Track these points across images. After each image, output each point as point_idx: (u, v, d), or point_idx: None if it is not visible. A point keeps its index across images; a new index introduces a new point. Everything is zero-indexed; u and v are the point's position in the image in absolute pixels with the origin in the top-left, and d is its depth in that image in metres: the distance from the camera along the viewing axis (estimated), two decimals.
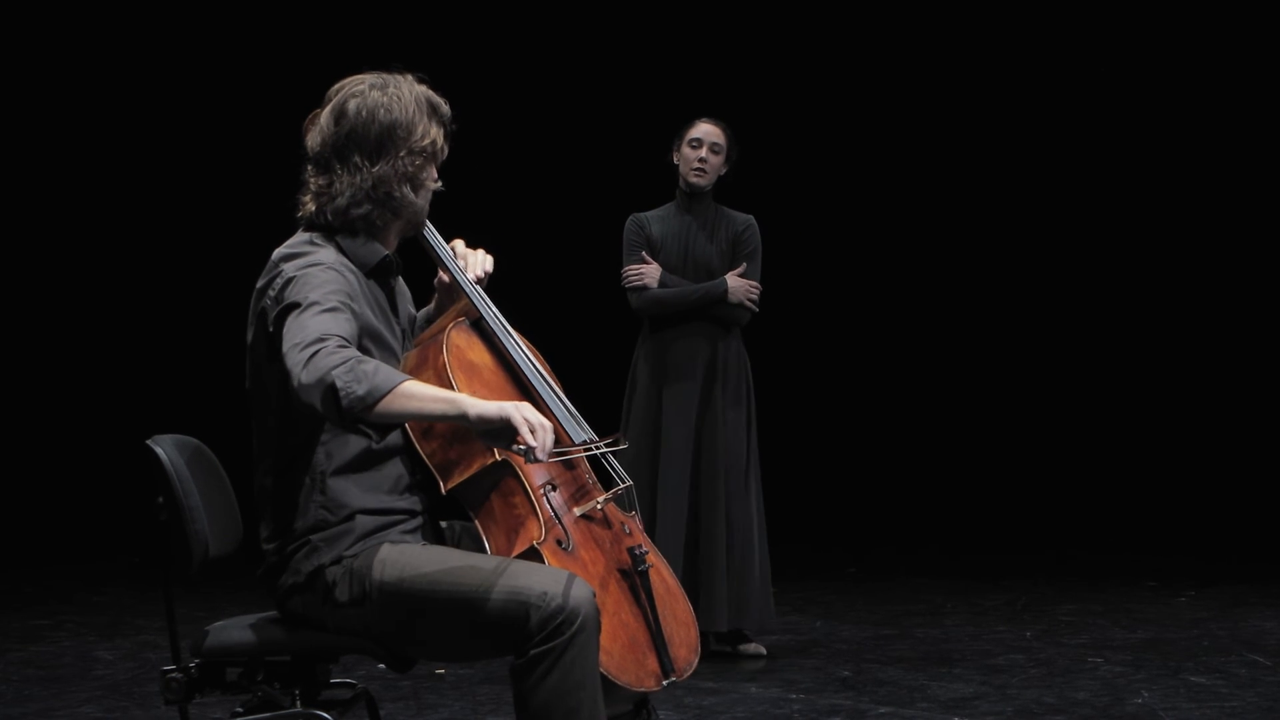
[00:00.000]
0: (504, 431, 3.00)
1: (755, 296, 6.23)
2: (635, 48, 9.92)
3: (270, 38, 9.89)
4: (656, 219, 6.30)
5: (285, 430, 3.24)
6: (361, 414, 2.95)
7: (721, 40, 9.98)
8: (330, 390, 2.93)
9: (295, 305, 3.08)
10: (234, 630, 3.30)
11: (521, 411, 2.99)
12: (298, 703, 3.29)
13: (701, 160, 6.21)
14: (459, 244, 3.53)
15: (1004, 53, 10.04)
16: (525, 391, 3.42)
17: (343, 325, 3.06)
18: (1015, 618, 7.23)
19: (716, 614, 6.10)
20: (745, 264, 6.22)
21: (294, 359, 2.98)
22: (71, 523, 9.75)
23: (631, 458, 6.07)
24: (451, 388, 3.22)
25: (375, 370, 2.96)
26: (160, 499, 3.35)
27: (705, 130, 6.24)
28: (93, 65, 9.90)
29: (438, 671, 5.94)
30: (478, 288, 3.48)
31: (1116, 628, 6.91)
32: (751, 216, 6.32)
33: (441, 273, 3.53)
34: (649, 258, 6.21)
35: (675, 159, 6.29)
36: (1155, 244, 10.16)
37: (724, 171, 6.29)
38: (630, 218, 6.32)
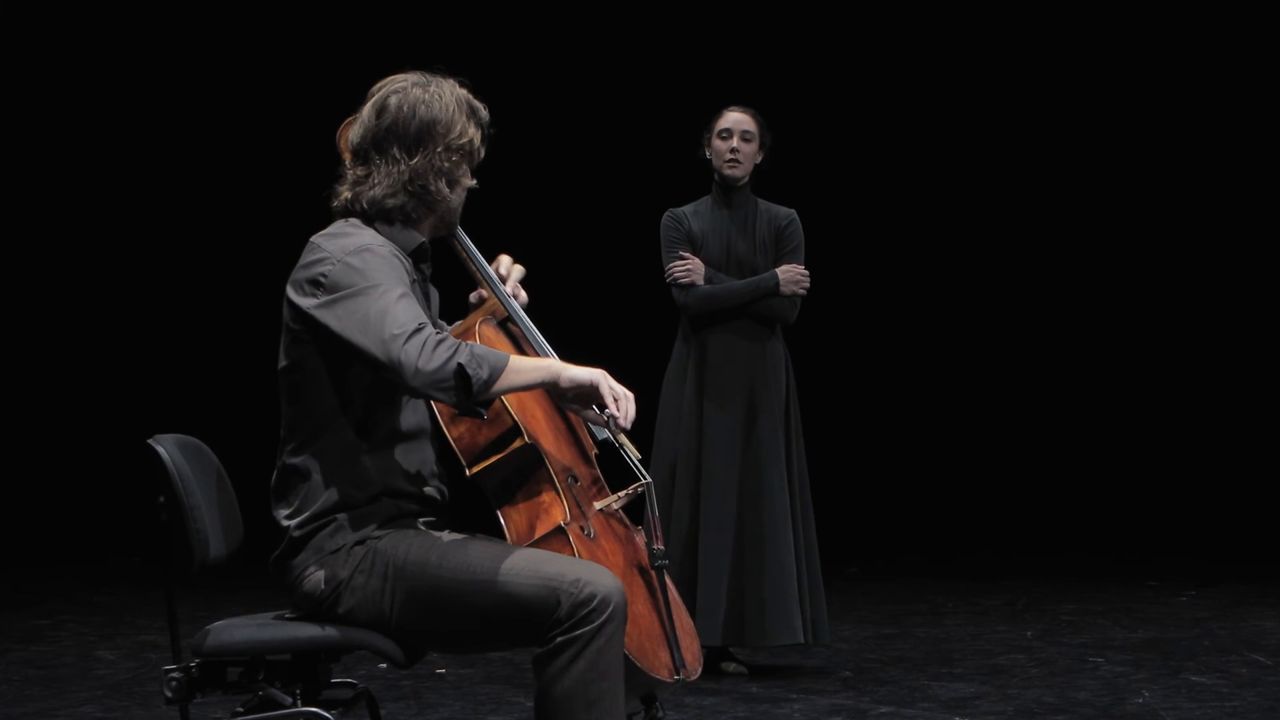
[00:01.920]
0: (590, 396, 3.21)
1: (807, 284, 5.99)
2: (658, 40, 9.89)
3: (276, 42, 9.90)
4: (694, 214, 6.04)
5: (319, 407, 3.27)
6: (482, 394, 3.11)
7: (745, 31, 9.95)
8: (459, 376, 3.08)
9: (365, 290, 3.16)
10: (235, 630, 3.30)
11: (608, 380, 3.21)
12: (298, 702, 3.29)
13: (734, 151, 5.94)
14: (504, 257, 3.63)
15: (1036, 56, 10.04)
16: None
17: (421, 311, 3.18)
18: (1016, 617, 7.24)
19: (770, 628, 5.81)
20: (792, 256, 6.01)
21: (403, 351, 3.07)
22: (72, 522, 9.76)
23: (672, 462, 5.91)
24: None
25: (485, 352, 3.13)
26: (161, 499, 3.35)
27: (734, 119, 5.98)
28: (97, 67, 9.90)
29: (438, 671, 5.95)
30: (508, 292, 3.56)
31: (1117, 627, 6.91)
32: (794, 210, 6.09)
33: (481, 288, 3.59)
34: (690, 254, 5.96)
35: (706, 153, 6.01)
36: (1155, 246, 10.16)
37: (759, 160, 6.01)
38: (667, 213, 6.05)
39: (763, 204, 6.08)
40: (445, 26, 9.70)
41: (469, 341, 3.16)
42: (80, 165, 10.04)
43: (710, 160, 6.03)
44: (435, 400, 3.14)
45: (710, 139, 6.00)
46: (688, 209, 6.06)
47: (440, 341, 3.09)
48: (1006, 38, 10.05)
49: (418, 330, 3.09)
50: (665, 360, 6.12)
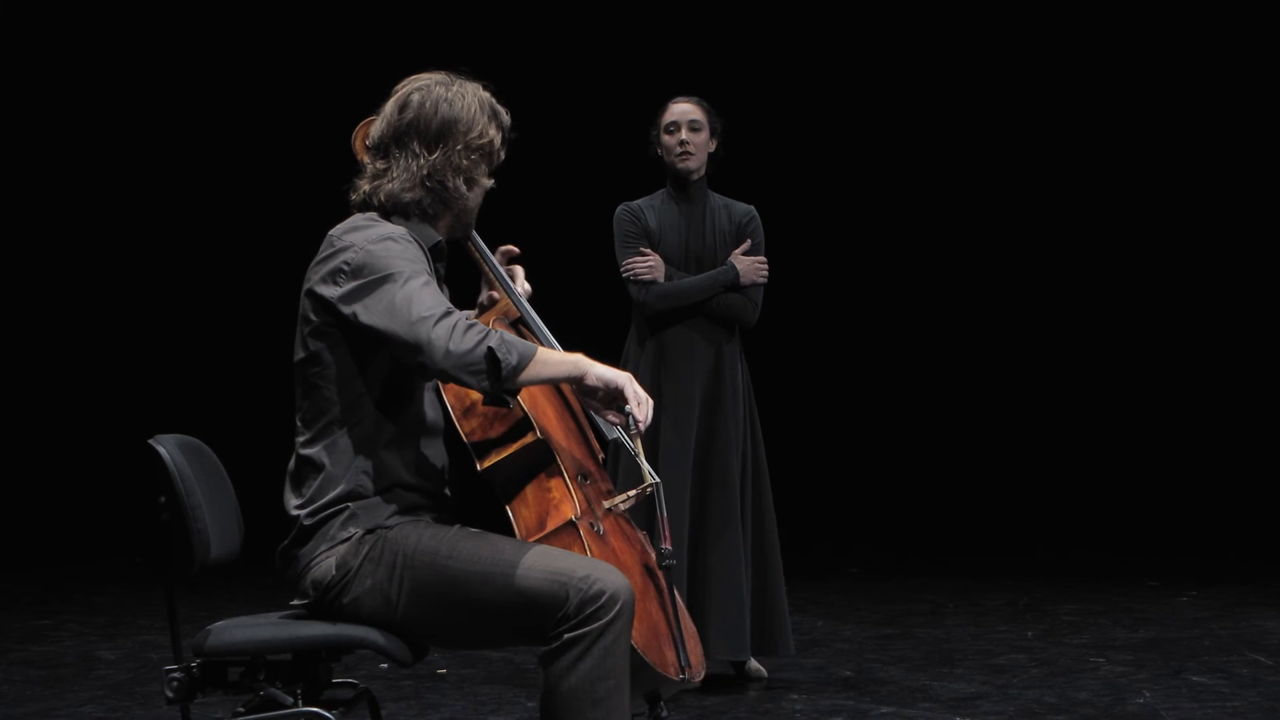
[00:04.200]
0: (615, 396, 3.26)
1: (766, 274, 5.75)
2: (615, 31, 9.85)
3: (278, 42, 9.90)
4: (649, 208, 5.76)
5: (335, 400, 3.29)
6: (511, 381, 3.14)
7: (705, 21, 9.91)
8: (489, 360, 3.12)
9: (389, 276, 3.20)
10: (235, 629, 3.30)
11: (633, 383, 3.25)
12: (299, 702, 3.29)
13: (683, 143, 5.67)
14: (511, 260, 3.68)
15: (1009, 49, 10.03)
16: (560, 390, 3.55)
17: (445, 298, 3.22)
18: (1017, 617, 7.24)
19: (735, 641, 5.59)
20: (749, 242, 5.76)
21: (431, 333, 3.12)
22: (73, 523, 9.76)
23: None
24: None
25: (514, 340, 3.17)
26: (162, 498, 3.35)
27: (679, 111, 5.71)
28: (98, 66, 9.90)
29: (440, 671, 5.94)
30: (520, 294, 3.60)
31: (1118, 627, 6.91)
32: (752, 207, 5.83)
33: (491, 290, 3.60)
34: (649, 250, 5.71)
35: (659, 151, 5.76)
36: (1154, 244, 10.16)
37: (713, 148, 5.74)
38: (621, 207, 5.76)
39: (720, 199, 5.82)
40: (435, 25, 9.70)
41: (499, 329, 3.19)
42: (81, 165, 10.04)
43: (662, 157, 5.77)
44: (463, 384, 3.15)
45: (658, 135, 5.75)
46: (642, 202, 5.78)
47: (470, 326, 3.13)
48: (979, 27, 10.03)
49: (447, 313, 3.14)
50: (617, 357, 5.83)
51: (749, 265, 5.73)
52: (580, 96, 9.71)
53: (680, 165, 5.72)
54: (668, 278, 5.70)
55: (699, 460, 5.69)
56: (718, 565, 5.63)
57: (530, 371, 3.16)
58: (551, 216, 9.19)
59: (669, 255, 5.74)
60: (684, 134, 5.70)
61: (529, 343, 3.18)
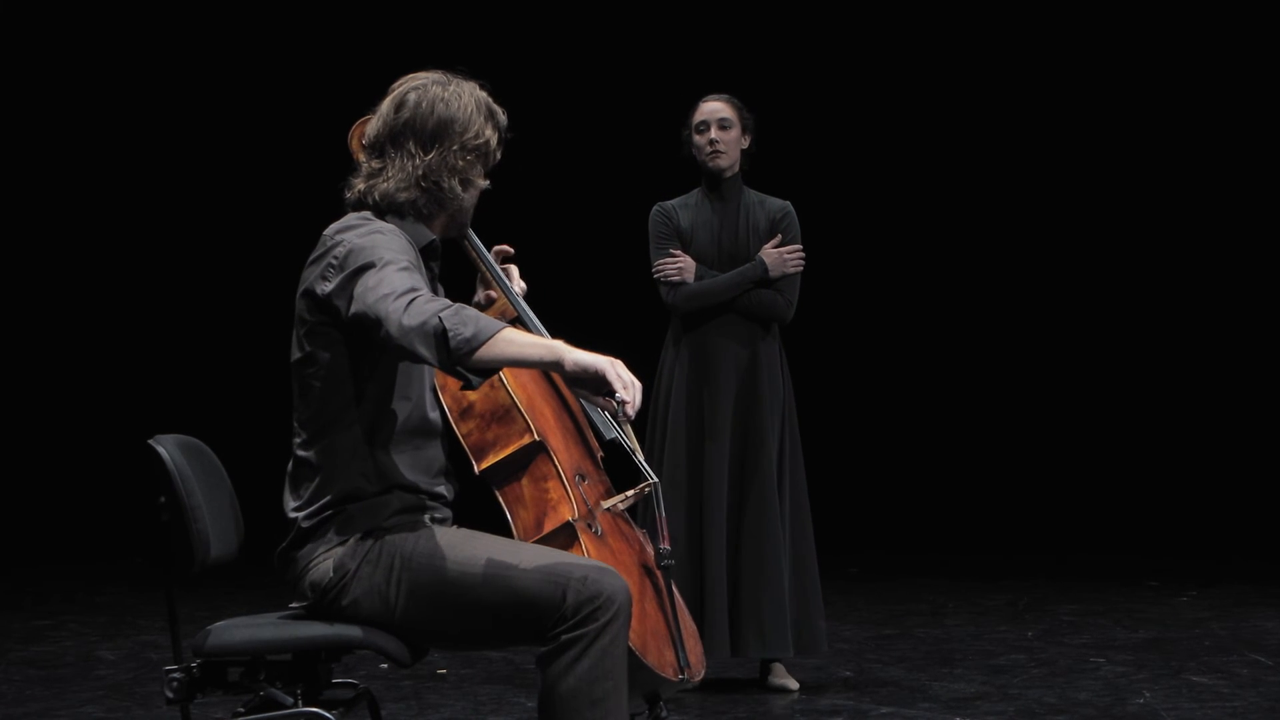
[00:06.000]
0: (598, 383, 3.08)
1: (799, 263, 5.69)
2: (651, 30, 9.85)
3: (277, 41, 9.90)
4: (683, 207, 5.76)
5: (331, 401, 3.27)
6: (465, 356, 3.00)
7: (739, 20, 9.92)
8: (438, 331, 2.99)
9: (370, 264, 3.14)
10: (235, 630, 3.30)
11: (616, 367, 3.07)
12: (299, 702, 3.29)
13: (713, 142, 5.66)
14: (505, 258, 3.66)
15: (1035, 49, 10.03)
16: (558, 390, 3.54)
17: (422, 282, 3.14)
18: (1017, 618, 7.24)
19: (777, 640, 5.54)
20: (779, 237, 5.71)
21: (389, 306, 3.04)
22: (73, 523, 9.76)
23: (668, 466, 5.61)
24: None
25: (478, 315, 3.03)
26: (162, 499, 3.35)
27: (709, 110, 5.71)
28: (97, 66, 9.90)
29: (439, 672, 5.95)
30: (517, 294, 3.59)
31: (1118, 628, 6.91)
32: (788, 202, 5.78)
33: (488, 289, 3.60)
34: (680, 251, 5.70)
35: (692, 150, 5.75)
36: (1155, 245, 10.16)
37: (746, 145, 5.73)
38: (655, 208, 5.77)
39: (755, 195, 5.79)
40: (438, 21, 9.69)
41: (469, 307, 3.09)
42: (80, 165, 10.04)
43: (694, 156, 5.76)
44: (419, 357, 3.02)
45: (690, 135, 5.75)
46: (676, 202, 5.79)
47: (431, 300, 3.04)
48: (1006, 32, 10.03)
49: (409, 290, 3.06)
50: (655, 360, 5.81)
51: (777, 257, 5.69)
52: (621, 97, 9.70)
53: (712, 164, 5.71)
54: (699, 277, 5.69)
55: (736, 460, 5.67)
56: (757, 564, 5.60)
57: (492, 349, 2.99)
58: (592, 220, 9.20)
59: (701, 254, 5.72)
60: (714, 133, 5.69)
61: (496, 321, 3.04)
